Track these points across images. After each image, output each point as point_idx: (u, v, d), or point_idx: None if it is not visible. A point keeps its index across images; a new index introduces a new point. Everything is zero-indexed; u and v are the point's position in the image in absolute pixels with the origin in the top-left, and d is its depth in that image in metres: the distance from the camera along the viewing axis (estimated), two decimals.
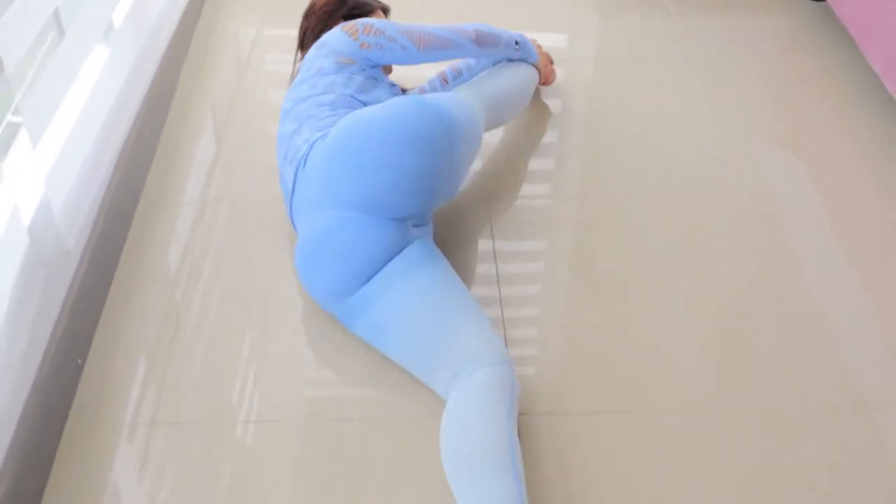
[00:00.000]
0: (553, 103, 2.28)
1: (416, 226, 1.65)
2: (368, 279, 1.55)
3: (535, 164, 2.10)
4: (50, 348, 1.50)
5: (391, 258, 1.56)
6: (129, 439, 1.48)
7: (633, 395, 1.55)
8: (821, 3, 2.65)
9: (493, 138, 2.15)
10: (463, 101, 1.70)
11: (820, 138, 2.15)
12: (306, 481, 1.42)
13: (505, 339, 1.64)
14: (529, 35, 2.22)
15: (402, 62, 1.92)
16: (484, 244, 1.85)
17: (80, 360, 1.58)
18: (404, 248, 1.57)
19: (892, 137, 2.13)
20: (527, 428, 1.48)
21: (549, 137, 2.18)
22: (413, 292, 1.53)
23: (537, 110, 2.26)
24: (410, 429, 1.49)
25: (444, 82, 2.14)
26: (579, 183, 2.02)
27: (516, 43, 2.11)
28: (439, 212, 1.90)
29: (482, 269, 1.80)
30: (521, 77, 2.11)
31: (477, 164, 2.06)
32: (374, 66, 1.88)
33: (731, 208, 1.94)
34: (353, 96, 1.77)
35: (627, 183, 2.01)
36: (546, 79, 2.30)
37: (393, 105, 1.58)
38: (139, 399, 1.54)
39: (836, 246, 1.84)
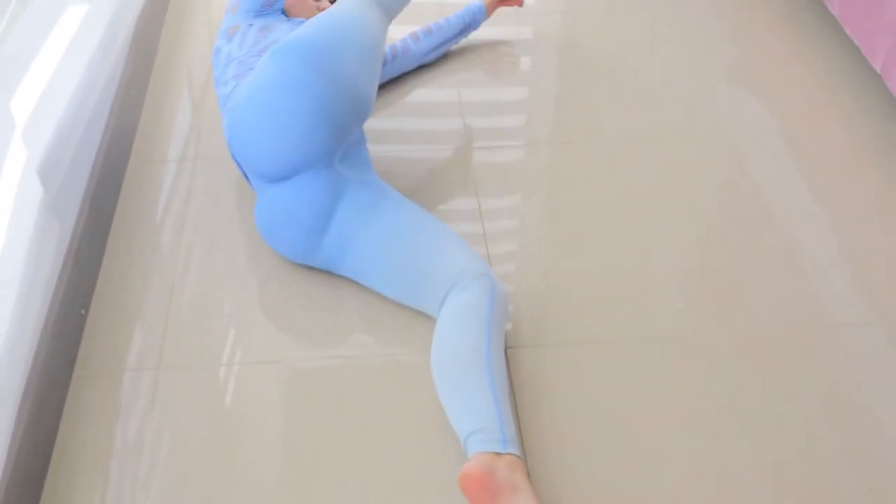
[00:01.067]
0: (524, 60, 2.34)
1: (344, 156, 1.67)
2: (326, 228, 1.61)
3: (510, 112, 2.16)
4: (56, 298, 1.54)
5: (335, 202, 1.60)
6: (132, 385, 1.52)
7: (614, 326, 1.61)
8: None
9: (469, 93, 2.20)
10: (325, 16, 1.63)
11: (783, 78, 2.23)
12: (307, 419, 1.47)
13: None
14: None
15: None
16: (466, 189, 1.91)
17: (83, 311, 1.62)
18: (343, 186, 1.61)
19: (851, 76, 2.22)
20: (511, 361, 1.54)
21: (521, 89, 2.24)
22: (377, 239, 1.59)
23: (510, 59, 2.33)
24: (407, 364, 1.54)
25: (416, 39, 2.20)
26: (552, 129, 2.09)
27: None
28: (425, 168, 1.96)
29: (465, 208, 1.85)
30: None
31: (455, 118, 2.12)
32: (261, 15, 1.89)
33: (699, 146, 2.01)
34: (248, 54, 1.80)
35: (600, 127, 2.08)
36: None
37: (257, 73, 1.59)
38: (141, 346, 1.58)
39: (799, 176, 1.93)
